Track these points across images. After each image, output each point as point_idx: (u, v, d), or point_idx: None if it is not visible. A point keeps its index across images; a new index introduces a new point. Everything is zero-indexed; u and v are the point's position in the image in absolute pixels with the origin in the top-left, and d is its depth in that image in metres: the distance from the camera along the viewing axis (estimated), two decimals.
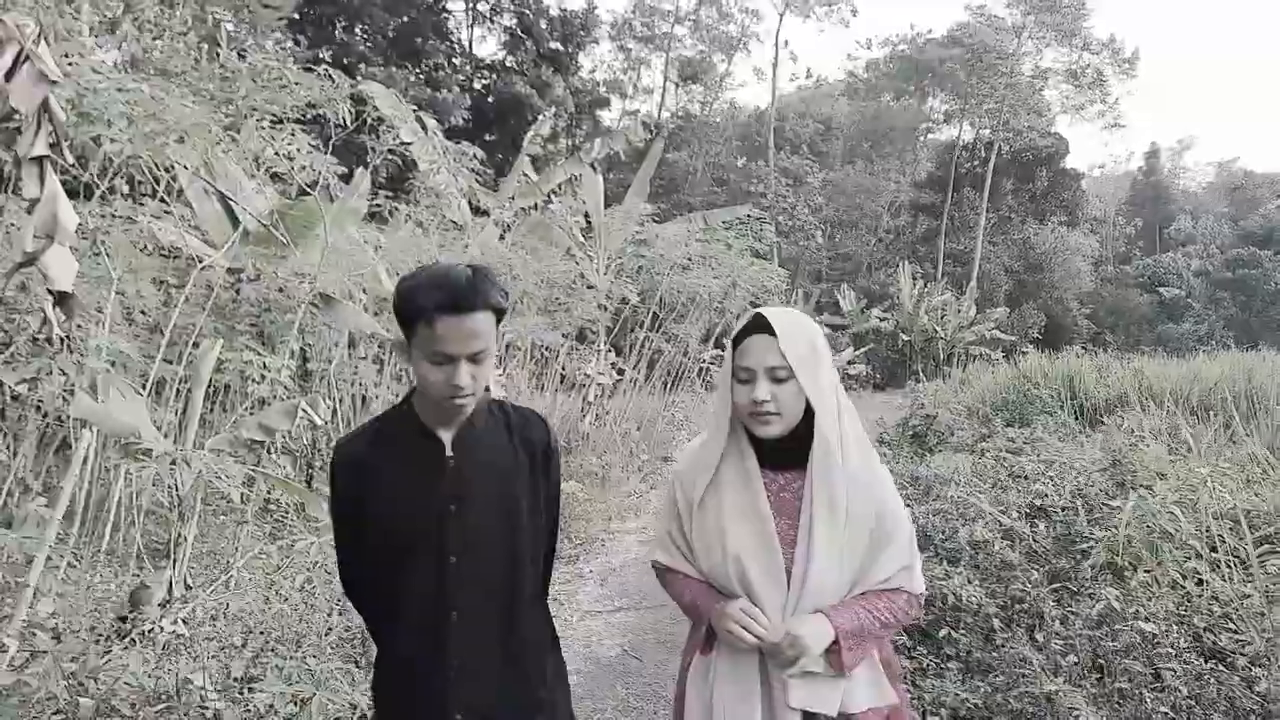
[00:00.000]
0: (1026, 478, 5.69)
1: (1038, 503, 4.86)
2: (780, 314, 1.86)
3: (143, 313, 5.83)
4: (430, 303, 1.71)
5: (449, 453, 1.89)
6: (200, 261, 5.97)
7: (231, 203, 6.73)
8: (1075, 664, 3.17)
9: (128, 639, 3.38)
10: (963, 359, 28.10)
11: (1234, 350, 23.55)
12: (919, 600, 1.99)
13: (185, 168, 5.63)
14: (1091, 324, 42.74)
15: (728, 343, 1.95)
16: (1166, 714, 2.79)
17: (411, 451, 1.89)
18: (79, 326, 3.64)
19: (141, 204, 5.56)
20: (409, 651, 1.89)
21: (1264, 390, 11.43)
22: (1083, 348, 29.56)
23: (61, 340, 2.71)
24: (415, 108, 8.69)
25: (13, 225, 3.53)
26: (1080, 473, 5.14)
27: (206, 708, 2.92)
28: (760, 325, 1.85)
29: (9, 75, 2.50)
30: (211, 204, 6.96)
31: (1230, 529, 4.40)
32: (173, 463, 3.50)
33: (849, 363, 28.59)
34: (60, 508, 3.12)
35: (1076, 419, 12.17)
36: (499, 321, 1.80)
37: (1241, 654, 3.15)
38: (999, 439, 10.17)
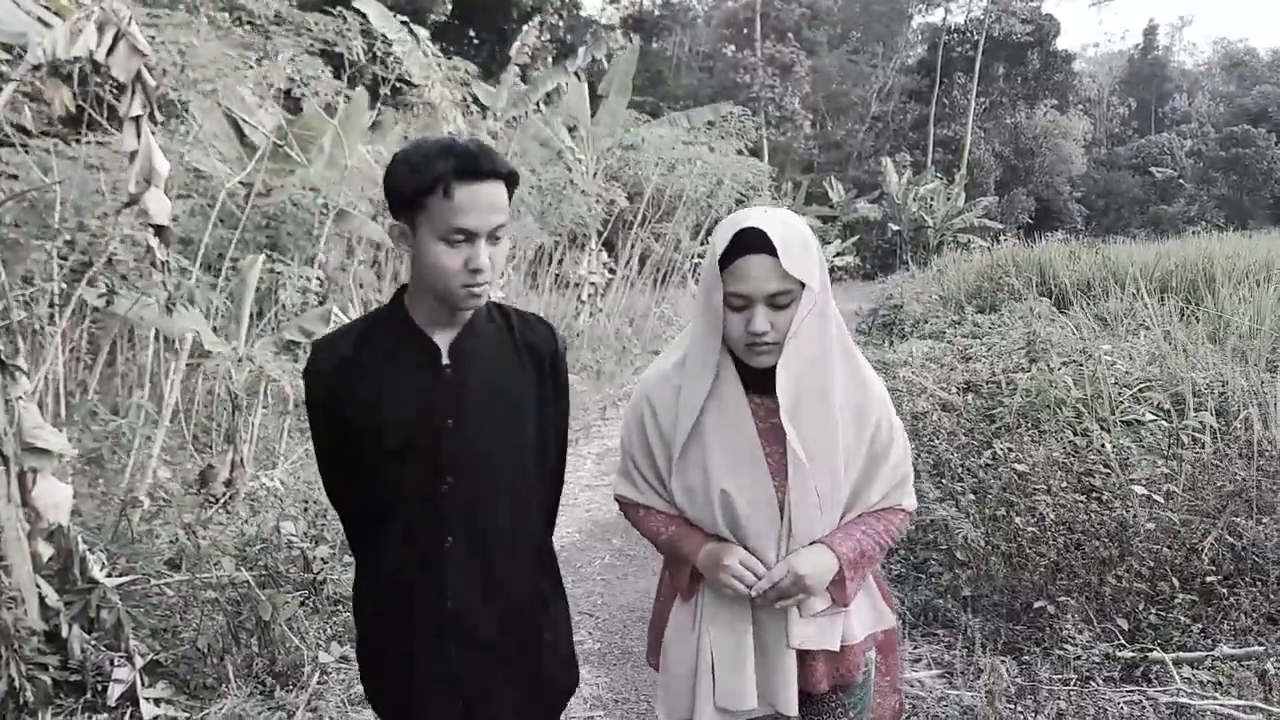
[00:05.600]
0: (971, 359, 6.47)
1: (971, 379, 5.66)
2: (776, 224, 1.59)
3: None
4: (446, 169, 1.50)
5: (445, 360, 1.66)
6: (207, 177, 6.58)
7: (244, 122, 7.30)
8: (971, 500, 3.98)
9: (217, 505, 4.19)
10: (953, 246, 28.53)
11: (1224, 231, 24.01)
12: (912, 515, 1.88)
13: (205, 94, 6.19)
14: (1083, 207, 43.05)
15: (712, 260, 1.65)
16: (1033, 533, 3.61)
17: (403, 357, 1.66)
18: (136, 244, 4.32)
19: (172, 132, 6.14)
20: (400, 574, 1.70)
21: (1221, 273, 12.01)
22: (1065, 233, 30.04)
23: (162, 264, 3.40)
24: (402, 19, 9.06)
25: (106, 169, 4.19)
26: (1004, 353, 5.91)
27: (293, 548, 3.74)
28: (754, 242, 1.57)
29: (110, 51, 3.11)
30: (221, 123, 7.50)
31: (1133, 397, 5.20)
32: (238, 360, 4.22)
33: (837, 254, 29.14)
34: (171, 398, 3.87)
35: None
36: (510, 197, 1.61)
37: (1109, 491, 3.95)
38: (966, 325, 10.90)
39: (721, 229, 1.64)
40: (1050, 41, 40.86)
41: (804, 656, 1.74)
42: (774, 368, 1.62)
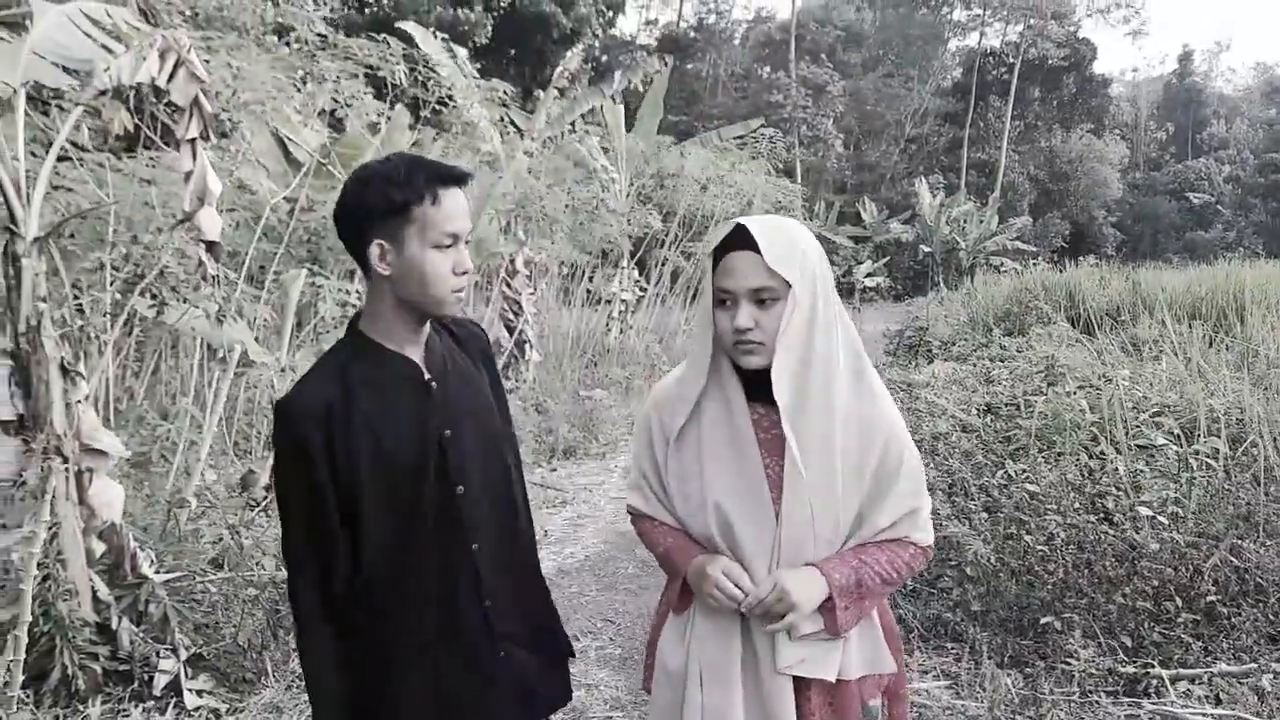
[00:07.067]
0: (993, 381, 6.56)
1: (991, 401, 5.75)
2: (765, 223, 1.61)
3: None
4: (430, 176, 1.56)
5: (427, 376, 1.69)
6: (253, 192, 6.84)
7: (290, 141, 7.58)
8: (984, 518, 4.08)
9: (258, 508, 4.39)
10: (985, 269, 28.43)
11: (1262, 259, 23.73)
12: (926, 553, 1.74)
13: (255, 115, 6.46)
14: (1119, 232, 42.71)
15: (707, 259, 1.69)
16: (1043, 552, 3.70)
17: (389, 381, 1.66)
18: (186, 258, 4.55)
19: (222, 150, 6.40)
20: (437, 595, 1.70)
21: (1251, 300, 11.94)
22: (1098, 257, 29.81)
23: (213, 278, 3.61)
24: (444, 37, 9.35)
25: (157, 185, 4.45)
26: (1024, 377, 6.00)
27: None
28: (742, 239, 1.59)
29: (170, 77, 3.34)
30: (268, 141, 7.79)
31: (1153, 422, 5.26)
32: (280, 370, 4.43)
33: (868, 274, 29.19)
34: (219, 404, 4.08)
35: (1073, 328, 12.81)
36: None
37: (1121, 513, 4.03)
38: (994, 348, 10.95)
39: (717, 232, 1.66)
40: (1086, 66, 40.76)
41: (799, 687, 1.65)
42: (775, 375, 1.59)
